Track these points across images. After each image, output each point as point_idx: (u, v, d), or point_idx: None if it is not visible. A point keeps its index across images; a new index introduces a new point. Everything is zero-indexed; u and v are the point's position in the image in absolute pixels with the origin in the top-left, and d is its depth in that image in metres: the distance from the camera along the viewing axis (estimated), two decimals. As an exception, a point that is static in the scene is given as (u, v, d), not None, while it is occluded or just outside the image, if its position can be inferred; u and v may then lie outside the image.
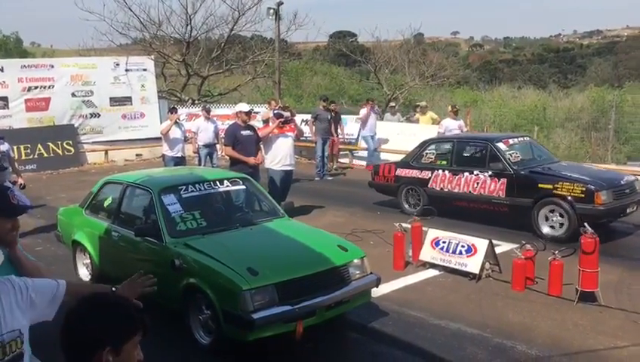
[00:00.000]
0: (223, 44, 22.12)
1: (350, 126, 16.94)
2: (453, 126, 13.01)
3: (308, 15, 29.96)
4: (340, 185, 13.63)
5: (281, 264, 5.03)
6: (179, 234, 5.44)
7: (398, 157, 15.56)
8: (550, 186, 8.17)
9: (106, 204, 6.59)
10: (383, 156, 15.75)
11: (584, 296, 5.85)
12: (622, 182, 8.38)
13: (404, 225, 7.35)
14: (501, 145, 9.03)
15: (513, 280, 6.33)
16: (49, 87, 16.95)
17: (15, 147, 12.17)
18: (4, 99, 16.38)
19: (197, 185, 5.96)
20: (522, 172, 8.60)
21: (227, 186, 6.22)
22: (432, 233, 7.24)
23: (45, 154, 16.35)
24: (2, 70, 16.52)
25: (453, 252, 6.88)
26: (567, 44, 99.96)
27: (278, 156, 9.35)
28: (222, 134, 12.07)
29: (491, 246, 6.81)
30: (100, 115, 17.64)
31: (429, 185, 9.63)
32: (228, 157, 9.25)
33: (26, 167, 15.19)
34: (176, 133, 11.56)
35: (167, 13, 20.82)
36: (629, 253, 7.59)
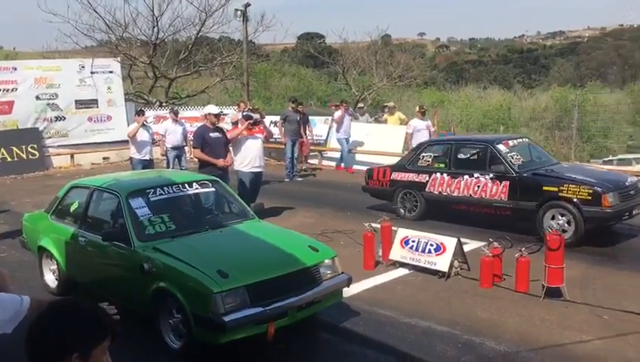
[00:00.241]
0: (190, 46, 21.96)
1: (319, 127, 16.99)
2: (421, 126, 13.15)
3: (275, 16, 29.86)
4: (310, 186, 13.65)
5: (252, 266, 5.01)
6: (147, 237, 5.37)
7: (372, 159, 15.83)
8: (555, 189, 7.90)
9: (72, 208, 6.47)
10: (357, 158, 15.86)
11: (550, 292, 5.97)
12: (627, 184, 8.14)
13: (373, 225, 7.40)
14: (502, 147, 8.75)
15: (481, 277, 6.44)
16: (12, 90, 16.59)
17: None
18: (-34, 102, 16.00)
19: (165, 188, 5.89)
20: (525, 174, 8.35)
21: (196, 189, 6.16)
22: (402, 232, 7.31)
23: (9, 159, 15.99)
24: (-37, 73, 16.13)
25: (423, 251, 6.95)
26: (531, 45, 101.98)
27: (248, 158, 9.33)
28: (190, 136, 11.97)
29: (460, 245, 6.90)
30: (65, 118, 17.34)
31: (426, 189, 9.34)
32: (197, 160, 9.18)
33: (-11, 172, 14.83)
34: (143, 135, 11.43)
35: (134, 15, 20.64)
36: (593, 248, 7.77)
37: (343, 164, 15.66)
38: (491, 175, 8.59)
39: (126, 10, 26.47)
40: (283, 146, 14.55)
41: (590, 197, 7.62)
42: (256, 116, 9.62)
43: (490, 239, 6.70)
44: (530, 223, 8.16)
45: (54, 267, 6.46)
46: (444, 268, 6.73)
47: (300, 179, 14.38)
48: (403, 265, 7.11)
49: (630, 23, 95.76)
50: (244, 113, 10.03)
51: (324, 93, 35.39)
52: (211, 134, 8.79)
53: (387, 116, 16.72)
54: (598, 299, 5.97)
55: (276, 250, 5.33)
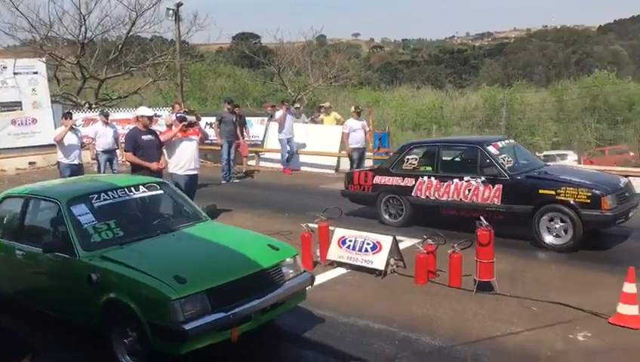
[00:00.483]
0: (120, 46, 21.38)
1: (256, 128, 16.89)
2: (356, 126, 13.28)
3: (209, 16, 29.53)
4: (247, 187, 13.55)
5: (211, 269, 4.80)
6: (93, 246, 5.07)
7: (309, 159, 15.87)
8: (552, 192, 7.59)
9: (6, 220, 6.02)
10: (301, 159, 15.86)
11: (482, 286, 6.16)
12: (621, 185, 7.91)
13: (311, 225, 7.42)
14: (492, 149, 8.39)
15: (416, 274, 6.57)
16: None
17: None
18: None
19: (110, 193, 5.60)
20: (519, 177, 8.04)
21: (143, 192, 5.89)
22: (339, 232, 7.36)
23: None
24: None
25: (360, 250, 7.02)
26: (461, 46, 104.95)
27: (182, 160, 9.16)
28: (122, 139, 11.64)
29: (395, 243, 7.02)
30: (-14, 122, 16.51)
31: (412, 194, 8.86)
32: (129, 163, 8.94)
33: None
34: (71, 139, 11.01)
35: (59, 14, 19.90)
36: (522, 242, 8.06)
37: (284, 165, 15.64)
38: (483, 178, 8.22)
39: (51, 8, 25.35)
40: (219, 148, 14.38)
41: (589, 201, 7.35)
42: (192, 118, 9.44)
43: (425, 236, 6.84)
44: (524, 228, 7.89)
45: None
46: (381, 266, 6.82)
47: (237, 181, 14.25)
48: (341, 264, 7.17)
49: (553, 25, 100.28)
50: (178, 115, 9.84)
51: (260, 94, 35.26)
52: (143, 137, 8.58)
53: (323, 116, 16.81)
54: (527, 291, 6.21)
55: (235, 251, 5.14)
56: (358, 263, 6.99)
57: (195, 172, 9.38)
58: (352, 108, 13.78)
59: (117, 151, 12.63)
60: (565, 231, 7.52)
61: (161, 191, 6.12)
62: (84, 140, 12.03)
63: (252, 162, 16.79)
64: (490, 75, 67.36)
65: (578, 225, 7.40)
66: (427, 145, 9.72)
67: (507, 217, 8.02)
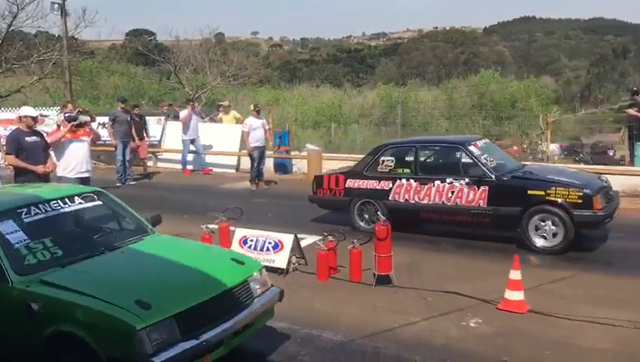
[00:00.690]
0: (0, 41, 19.90)
1: (153, 127, 16.38)
2: (256, 124, 13.20)
3: (99, 11, 28.13)
4: (145, 189, 13.11)
5: (175, 291, 4.26)
6: (29, 269, 4.37)
7: (208, 159, 15.56)
8: (542, 193, 7.33)
9: None
10: (191, 158, 15.51)
11: (380, 280, 6.34)
12: (605, 184, 7.80)
13: (211, 226, 7.30)
14: (473, 149, 8.09)
15: (318, 271, 6.64)
16: None
17: None
18: None
19: (42, 206, 4.90)
20: (505, 178, 7.77)
21: (80, 204, 5.20)
22: (240, 232, 7.29)
23: None
24: None
25: (261, 249, 6.99)
26: (358, 45, 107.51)
27: (72, 163, 8.68)
28: (3, 141, 10.85)
29: (297, 241, 7.06)
30: None
31: (389, 198, 8.40)
32: (12, 167, 8.35)
33: None
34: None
35: None
36: (420, 236, 8.36)
37: (188, 167, 15.28)
38: (467, 180, 7.85)
39: None
40: (113, 149, 13.79)
41: (581, 200, 7.14)
42: (85, 118, 8.96)
43: (325, 233, 6.93)
44: (510, 230, 7.71)
45: None
46: (283, 264, 6.84)
47: (134, 182, 13.76)
48: (242, 265, 7.09)
49: (443, 26, 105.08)
50: (67, 114, 9.30)
51: (156, 93, 34.12)
52: (27, 138, 8.03)
53: (222, 115, 16.61)
54: (423, 282, 6.46)
55: (197, 268, 4.60)
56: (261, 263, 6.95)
57: (86, 174, 8.92)
58: (252, 107, 13.69)
59: (-2, 154, 11.78)
60: (554, 234, 7.29)
61: (99, 202, 5.44)
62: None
63: (150, 163, 16.27)
64: (386, 74, 69.50)
65: (569, 226, 7.16)
66: (404, 146, 9.16)
67: (493, 220, 7.74)
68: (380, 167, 8.65)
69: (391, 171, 8.57)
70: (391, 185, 8.42)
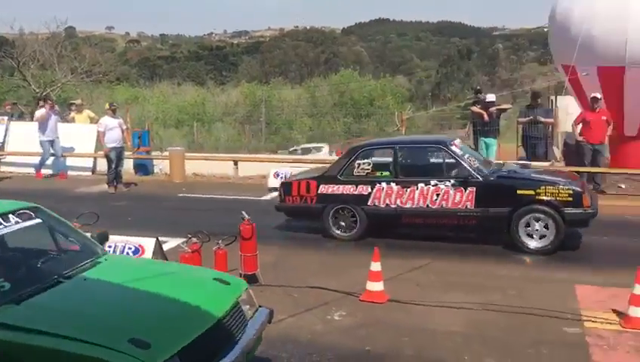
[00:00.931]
0: None
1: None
2: (113, 124, 12.56)
3: None
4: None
5: (171, 322, 3.60)
6: None
7: (72, 161, 14.48)
8: (532, 192, 7.21)
9: None
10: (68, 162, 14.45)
11: (247, 279, 6.28)
12: (584, 181, 7.79)
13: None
14: (455, 149, 7.81)
15: (182, 274, 6.45)
16: None
17: None
18: None
19: None
20: (491, 178, 7.57)
21: (17, 223, 4.27)
22: (96, 239, 6.88)
23: None
24: None
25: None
26: (220, 43, 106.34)
27: None
28: None
29: (158, 244, 6.80)
30: None
31: (368, 203, 7.93)
32: None
33: None
34: None
35: None
36: (285, 233, 8.44)
37: (44, 171, 14.15)
38: (452, 181, 7.58)
39: None
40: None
41: (571, 198, 7.13)
42: None
43: (189, 235, 6.75)
44: (498, 231, 7.59)
45: None
46: (145, 270, 6.56)
47: (-27, 189, 12.48)
48: (100, 273, 6.71)
49: (304, 25, 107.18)
50: None
51: (-2, 90, 31.29)
52: None
53: (75, 115, 15.63)
54: (289, 279, 6.52)
55: (183, 293, 3.90)
56: (120, 269, 6.61)
57: None
58: (107, 106, 13.00)
59: None
60: (543, 235, 7.22)
61: (38, 220, 4.48)
62: None
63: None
64: (249, 72, 69.50)
65: (560, 224, 7.10)
66: (381, 148, 8.69)
67: (481, 222, 7.55)
68: (356, 170, 8.15)
69: (368, 175, 8.11)
70: (370, 190, 7.94)
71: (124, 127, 12.91)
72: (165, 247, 7.08)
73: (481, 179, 7.52)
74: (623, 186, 11.39)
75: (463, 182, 7.53)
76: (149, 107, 33.81)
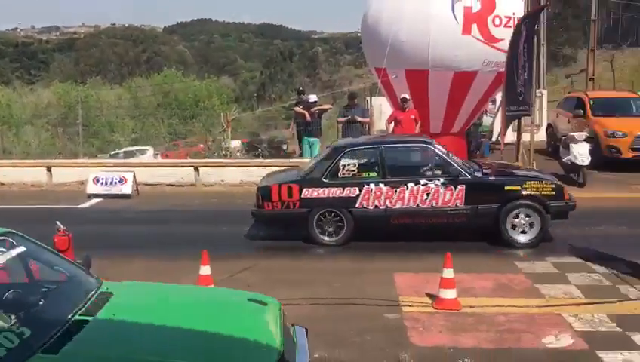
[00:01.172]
0: None
1: None
2: None
3: None
4: None
5: (255, 355, 3.13)
6: None
7: None
8: (518, 187, 7.52)
9: None
10: None
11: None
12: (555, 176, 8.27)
13: None
14: (441, 147, 7.87)
15: None
16: None
17: None
18: None
19: None
20: (478, 175, 7.76)
21: (1, 252, 3.44)
22: None
23: None
24: None
25: None
26: (26, 39, 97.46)
27: None
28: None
29: None
30: None
31: (357, 205, 7.64)
32: None
33: None
34: None
35: None
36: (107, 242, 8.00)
37: None
38: (442, 180, 7.59)
39: None
40: None
41: (554, 192, 7.55)
42: None
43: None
44: (487, 227, 7.68)
45: None
46: None
47: None
48: None
49: (122, 23, 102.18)
50: None
51: None
52: None
53: None
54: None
55: (239, 321, 3.43)
56: None
57: None
58: None
59: None
60: (526, 229, 7.52)
61: (22, 248, 3.61)
62: None
63: None
64: (62, 71, 64.78)
65: (546, 217, 7.45)
66: (366, 148, 8.38)
67: (470, 219, 7.62)
68: (341, 172, 7.86)
69: (355, 176, 7.85)
70: (358, 192, 7.69)
71: None
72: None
73: (469, 177, 7.68)
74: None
75: (453, 180, 7.63)
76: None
